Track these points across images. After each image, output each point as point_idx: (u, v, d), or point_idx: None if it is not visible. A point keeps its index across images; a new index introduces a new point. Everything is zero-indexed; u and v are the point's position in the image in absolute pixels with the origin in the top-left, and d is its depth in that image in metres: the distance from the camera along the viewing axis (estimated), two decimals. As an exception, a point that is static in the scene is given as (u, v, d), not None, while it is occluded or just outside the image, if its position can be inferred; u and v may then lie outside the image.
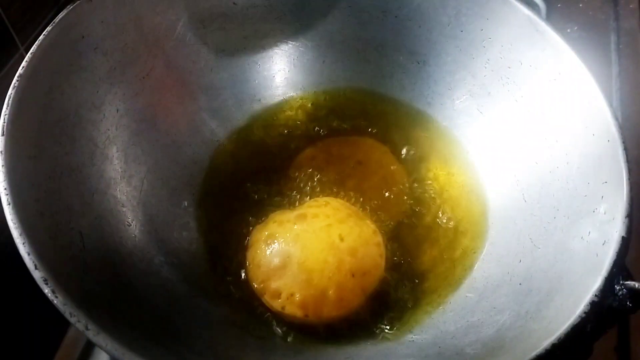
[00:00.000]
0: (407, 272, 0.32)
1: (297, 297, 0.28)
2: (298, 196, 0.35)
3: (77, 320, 0.20)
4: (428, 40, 0.37)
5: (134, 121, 0.32)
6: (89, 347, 0.33)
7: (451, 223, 0.34)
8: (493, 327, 0.27)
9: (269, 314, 0.30)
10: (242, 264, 0.32)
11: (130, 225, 0.30)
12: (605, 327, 0.23)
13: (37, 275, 0.21)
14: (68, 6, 0.29)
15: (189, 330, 0.27)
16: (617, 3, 0.52)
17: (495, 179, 0.35)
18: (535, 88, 0.33)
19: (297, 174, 0.36)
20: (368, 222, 0.33)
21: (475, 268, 0.32)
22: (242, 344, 0.28)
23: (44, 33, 0.28)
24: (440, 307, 0.30)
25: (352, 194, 0.35)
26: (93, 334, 0.20)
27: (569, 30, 0.49)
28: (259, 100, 0.39)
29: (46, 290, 0.21)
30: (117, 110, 0.31)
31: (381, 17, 0.37)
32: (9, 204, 0.23)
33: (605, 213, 0.25)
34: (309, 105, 0.40)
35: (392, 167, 0.37)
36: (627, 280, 0.23)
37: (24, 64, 0.26)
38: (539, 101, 0.32)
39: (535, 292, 0.27)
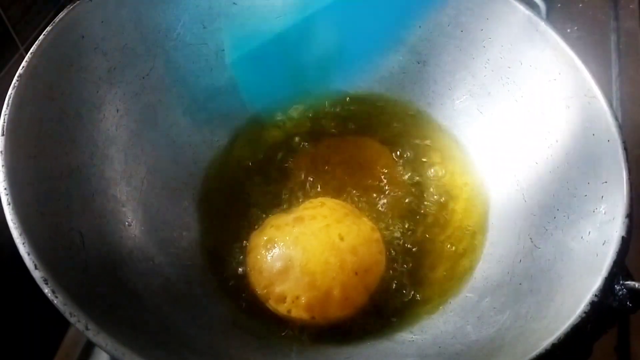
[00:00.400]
0: (407, 272, 0.32)
1: (303, 299, 0.28)
2: (300, 193, 0.35)
3: (77, 320, 0.20)
4: (428, 40, 0.37)
5: (134, 121, 0.32)
6: (89, 347, 0.33)
7: (451, 223, 0.34)
8: (493, 327, 0.27)
9: (268, 314, 0.30)
10: (242, 264, 0.32)
11: (130, 225, 0.30)
12: (605, 327, 0.23)
13: (37, 275, 0.21)
14: (68, 6, 0.29)
15: (189, 330, 0.27)
16: (617, 3, 0.52)
17: (495, 179, 0.35)
18: (535, 88, 0.33)
19: (297, 173, 0.36)
20: (365, 219, 0.33)
21: (475, 268, 0.32)
22: (242, 344, 0.28)
23: (43, 33, 0.28)
24: (440, 307, 0.30)
25: (351, 194, 0.35)
26: (93, 333, 0.20)
27: (569, 30, 0.49)
28: (259, 100, 0.39)
29: (46, 290, 0.21)
30: (117, 110, 0.31)
31: (381, 17, 0.37)
32: (9, 204, 0.23)
33: (605, 213, 0.26)
34: (309, 105, 0.40)
35: (391, 168, 0.37)
36: (627, 280, 0.23)
37: (24, 63, 0.26)
38: (539, 101, 0.32)
39: (535, 292, 0.27)
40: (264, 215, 0.34)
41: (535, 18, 0.32)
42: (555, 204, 0.29)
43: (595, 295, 0.22)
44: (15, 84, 0.26)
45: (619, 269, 0.23)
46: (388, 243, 0.33)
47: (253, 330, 0.29)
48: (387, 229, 0.34)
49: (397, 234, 0.34)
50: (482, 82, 0.36)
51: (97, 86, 0.30)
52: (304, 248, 0.29)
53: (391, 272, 0.32)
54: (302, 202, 0.34)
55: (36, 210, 0.24)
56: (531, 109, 0.33)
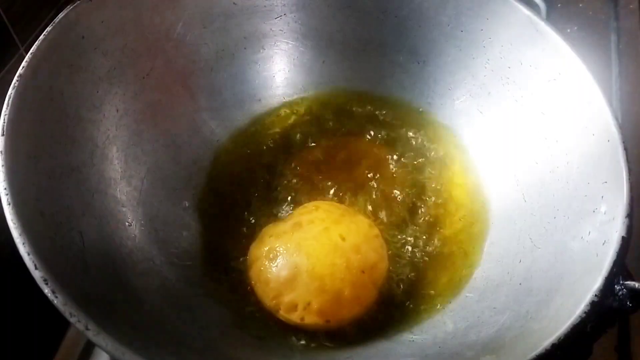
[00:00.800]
0: (407, 272, 0.32)
1: (315, 305, 0.28)
2: (300, 193, 0.35)
3: (77, 320, 0.20)
4: (428, 40, 0.37)
5: (134, 121, 0.32)
6: (89, 347, 0.33)
7: (451, 223, 0.34)
8: (493, 327, 0.27)
9: (268, 314, 0.30)
10: (242, 264, 0.32)
11: (130, 225, 0.30)
12: (605, 327, 0.23)
13: (37, 275, 0.21)
14: (68, 6, 0.29)
15: (189, 330, 0.27)
16: (617, 3, 0.52)
17: (495, 179, 0.35)
18: (536, 88, 0.33)
19: (297, 174, 0.36)
20: (361, 217, 0.33)
21: (475, 268, 0.32)
22: (242, 344, 0.28)
23: (44, 33, 0.28)
24: (440, 307, 0.30)
25: (351, 195, 0.35)
26: (93, 334, 0.20)
27: (569, 30, 0.49)
28: (259, 100, 0.39)
29: (46, 290, 0.21)
30: (117, 110, 0.31)
31: (381, 17, 0.37)
32: (9, 204, 0.23)
33: (605, 213, 0.25)
34: (309, 105, 0.40)
35: (391, 168, 0.37)
36: (627, 280, 0.23)
37: (24, 64, 0.26)
38: (539, 101, 0.32)
39: (535, 292, 0.27)
40: (264, 216, 0.34)
41: (535, 18, 0.32)
42: (555, 204, 0.29)
43: (596, 295, 0.22)
44: (16, 84, 0.26)
45: (619, 269, 0.23)
46: (387, 244, 0.33)
47: (253, 330, 0.29)
48: (386, 229, 0.34)
49: (397, 235, 0.34)
50: (482, 82, 0.36)
51: (97, 86, 0.30)
52: (308, 253, 0.29)
53: (391, 272, 0.32)
54: (302, 200, 0.34)
55: (36, 211, 0.24)
56: (531, 109, 0.33)
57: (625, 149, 0.26)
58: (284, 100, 0.40)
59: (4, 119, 0.24)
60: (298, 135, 0.38)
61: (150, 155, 0.33)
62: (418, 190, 0.36)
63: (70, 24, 0.29)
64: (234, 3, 0.37)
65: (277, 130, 0.39)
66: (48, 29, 0.28)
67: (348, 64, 0.39)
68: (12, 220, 0.22)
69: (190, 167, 0.35)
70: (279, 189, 0.36)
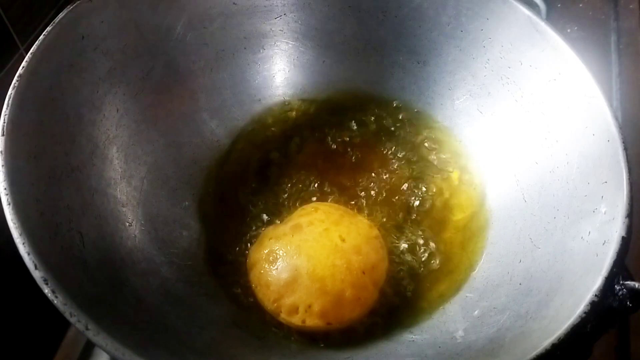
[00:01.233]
0: (407, 272, 0.32)
1: (316, 307, 0.28)
2: (299, 193, 0.35)
3: (77, 320, 0.20)
4: (428, 40, 0.37)
5: (134, 121, 0.32)
6: (89, 347, 0.33)
7: (451, 223, 0.34)
8: (493, 327, 0.27)
9: (268, 314, 0.30)
10: (242, 263, 0.32)
11: (131, 225, 0.30)
12: (605, 327, 0.23)
13: (37, 275, 0.21)
14: (68, 6, 0.29)
15: (189, 330, 0.27)
16: (617, 3, 0.52)
17: (495, 179, 0.35)
18: (535, 88, 0.33)
19: (296, 173, 0.36)
20: (361, 217, 0.33)
21: (475, 268, 0.32)
22: (242, 344, 0.28)
23: (44, 33, 0.28)
24: (440, 307, 0.30)
25: (351, 195, 0.35)
26: (93, 333, 0.20)
27: (569, 30, 0.49)
28: (259, 100, 0.39)
29: (46, 291, 0.21)
30: (117, 110, 0.31)
31: (381, 17, 0.37)
32: (9, 204, 0.23)
33: (605, 213, 0.25)
34: (309, 105, 0.40)
35: (391, 168, 0.37)
36: (627, 280, 0.23)
37: (24, 63, 0.26)
38: (539, 101, 0.32)
39: (535, 292, 0.27)
40: (264, 216, 0.34)
41: (535, 18, 0.32)
42: (555, 204, 0.29)
43: (596, 295, 0.22)
44: (16, 84, 0.26)
45: (619, 269, 0.23)
46: (388, 244, 0.33)
47: (253, 330, 0.29)
48: (386, 229, 0.34)
49: (397, 235, 0.34)
50: (482, 82, 0.36)
51: (97, 86, 0.30)
52: (309, 255, 0.29)
53: (391, 273, 0.32)
54: (302, 201, 0.34)
55: (36, 211, 0.24)
56: (531, 109, 0.33)
57: (625, 149, 0.26)
58: (284, 100, 0.40)
59: (4, 119, 0.24)
60: (298, 136, 0.38)
61: (150, 155, 0.33)
62: (418, 191, 0.36)
63: (70, 24, 0.29)
64: (234, 3, 0.37)
65: (277, 130, 0.39)
66: (48, 29, 0.28)
67: (348, 64, 0.39)
68: (12, 220, 0.22)
69: (190, 167, 0.35)
70: (278, 188, 0.36)
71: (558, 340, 0.21)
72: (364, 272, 0.29)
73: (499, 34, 0.34)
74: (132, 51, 0.32)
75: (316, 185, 0.36)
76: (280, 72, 0.40)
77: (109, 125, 0.31)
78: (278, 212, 0.34)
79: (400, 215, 0.34)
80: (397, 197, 0.35)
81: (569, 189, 0.29)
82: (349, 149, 0.38)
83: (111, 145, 0.31)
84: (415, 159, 0.37)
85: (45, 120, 0.27)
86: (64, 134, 0.28)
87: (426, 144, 0.38)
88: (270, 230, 0.32)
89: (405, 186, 0.36)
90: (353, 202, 0.35)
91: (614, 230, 0.24)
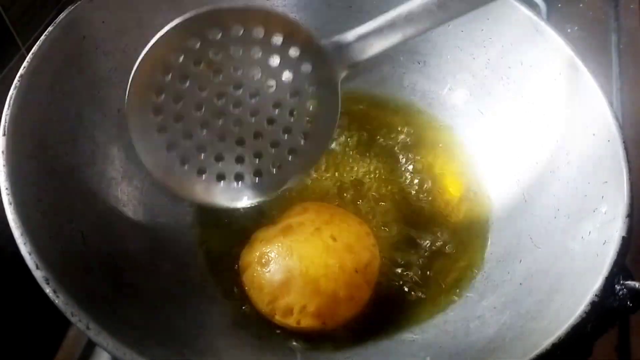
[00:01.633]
0: (408, 272, 0.32)
1: (310, 308, 0.28)
2: (300, 194, 0.35)
3: (79, 319, 0.20)
4: (428, 40, 0.37)
5: (134, 121, 0.32)
6: (90, 346, 0.33)
7: (451, 223, 0.34)
8: (493, 327, 0.27)
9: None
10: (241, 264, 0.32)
11: (132, 225, 0.30)
12: (605, 327, 0.24)
13: (39, 275, 0.21)
14: (69, 6, 0.29)
15: (190, 330, 0.27)
16: (617, 3, 0.52)
17: (496, 179, 0.35)
18: (536, 88, 0.33)
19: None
20: (352, 215, 0.33)
21: (475, 268, 0.32)
22: (242, 344, 0.28)
23: (45, 33, 0.28)
24: (441, 307, 0.30)
25: (350, 195, 0.35)
26: (94, 333, 0.20)
27: (569, 30, 0.49)
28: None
29: (47, 290, 0.21)
30: (118, 111, 0.31)
31: (382, 17, 0.37)
32: (11, 204, 0.23)
33: (605, 213, 0.26)
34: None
35: (390, 168, 0.37)
36: (628, 280, 0.23)
37: (25, 64, 0.26)
38: (540, 101, 0.32)
39: (536, 292, 0.27)
40: (264, 216, 0.34)
41: (535, 18, 0.32)
42: (556, 204, 0.29)
43: (596, 295, 0.22)
44: (17, 84, 0.26)
45: (620, 269, 0.23)
46: (387, 244, 0.33)
47: (253, 330, 0.29)
48: (385, 229, 0.34)
49: (396, 235, 0.34)
50: (483, 82, 0.36)
51: (98, 86, 0.30)
52: (301, 255, 0.29)
53: (392, 273, 0.32)
54: (298, 201, 0.34)
55: (37, 210, 0.24)
56: (532, 109, 0.33)
57: (626, 148, 0.26)
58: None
59: (6, 119, 0.25)
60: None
61: (151, 155, 0.33)
62: (418, 190, 0.36)
63: (71, 24, 0.29)
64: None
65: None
66: (49, 29, 0.28)
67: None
68: (13, 220, 0.22)
69: (190, 167, 0.35)
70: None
71: (558, 340, 0.21)
72: (356, 271, 0.29)
73: (499, 34, 0.34)
74: (133, 51, 0.32)
75: (313, 185, 0.36)
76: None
77: (110, 125, 0.31)
78: (278, 213, 0.34)
79: (400, 214, 0.34)
80: (396, 197, 0.35)
81: (570, 188, 0.29)
82: (347, 149, 0.38)
83: (112, 145, 0.31)
84: (415, 159, 0.37)
85: (47, 120, 0.27)
86: (65, 134, 0.28)
87: (426, 145, 0.38)
88: (261, 232, 0.32)
89: (404, 186, 0.36)
90: (350, 201, 0.35)
91: (615, 230, 0.24)
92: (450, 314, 0.30)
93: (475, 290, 0.31)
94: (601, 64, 0.46)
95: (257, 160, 0.30)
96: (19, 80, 0.26)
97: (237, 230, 0.33)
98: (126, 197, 0.30)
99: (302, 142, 0.30)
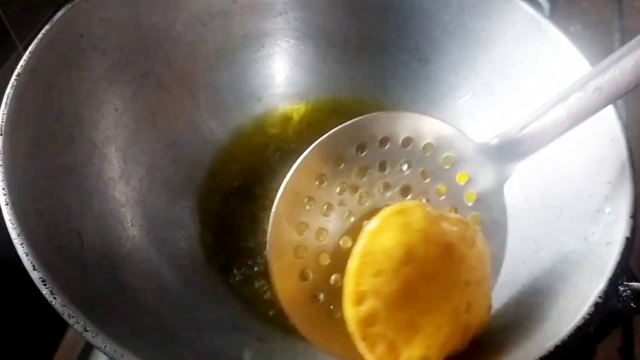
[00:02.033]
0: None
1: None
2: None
3: (76, 321, 0.20)
4: (430, 38, 0.37)
5: (132, 120, 0.32)
6: (88, 348, 0.33)
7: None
8: (495, 328, 0.27)
9: (269, 314, 0.30)
10: (242, 264, 0.32)
11: (130, 225, 0.30)
12: (609, 329, 0.23)
13: (36, 275, 0.21)
14: (67, 4, 0.29)
15: (189, 331, 0.27)
16: (621, 1, 0.51)
17: (498, 179, 0.35)
18: (539, 87, 0.32)
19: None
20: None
21: (477, 269, 0.32)
22: (242, 345, 0.28)
23: (42, 31, 0.27)
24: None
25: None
26: (92, 335, 0.20)
27: (572, 29, 0.49)
28: (259, 99, 0.39)
29: (44, 291, 0.21)
30: (116, 110, 0.31)
31: (383, 16, 0.37)
32: (7, 204, 0.22)
33: (609, 213, 0.25)
34: (310, 104, 0.40)
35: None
36: (631, 282, 0.23)
37: (22, 62, 0.26)
38: (543, 100, 0.32)
39: (539, 293, 0.26)
40: (264, 216, 0.34)
41: (538, 16, 0.32)
42: (559, 204, 0.29)
43: (599, 297, 0.22)
44: (14, 83, 0.25)
45: (623, 270, 0.23)
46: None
47: (253, 332, 0.29)
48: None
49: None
50: (485, 81, 0.35)
51: (96, 85, 0.30)
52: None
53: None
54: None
55: (34, 211, 0.24)
56: (535, 108, 0.33)
57: (630, 148, 0.26)
58: (285, 99, 0.39)
59: (2, 118, 0.24)
60: (298, 135, 0.38)
61: (149, 155, 0.33)
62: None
63: (68, 22, 0.29)
64: (233, 1, 0.36)
65: (278, 129, 0.38)
66: (46, 27, 0.28)
67: (349, 63, 0.39)
68: (10, 220, 0.22)
69: (189, 167, 0.35)
70: (278, 188, 0.35)
71: (561, 342, 0.21)
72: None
73: (502, 33, 0.34)
74: (131, 50, 0.32)
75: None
76: (280, 71, 0.39)
77: (107, 125, 0.30)
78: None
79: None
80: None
81: (573, 189, 0.28)
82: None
83: (110, 144, 0.30)
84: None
85: (44, 119, 0.27)
86: (63, 133, 0.28)
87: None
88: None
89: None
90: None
91: (618, 230, 0.24)
92: (452, 315, 0.30)
93: (476, 291, 0.30)
94: (604, 62, 0.46)
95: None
96: (15, 79, 0.26)
97: (238, 231, 0.33)
98: (124, 197, 0.30)
99: None
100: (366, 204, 0.24)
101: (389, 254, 0.21)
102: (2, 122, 0.24)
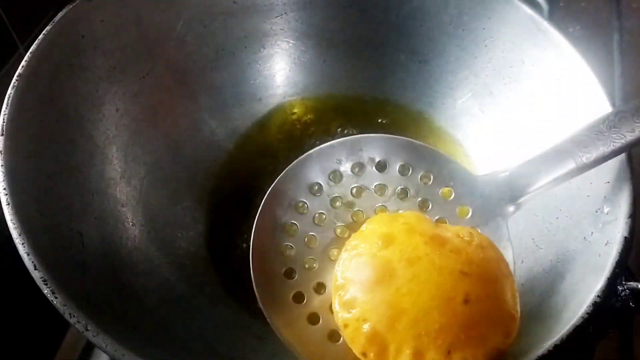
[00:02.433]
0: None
1: None
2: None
3: (77, 320, 0.20)
4: (429, 39, 0.37)
5: (133, 121, 0.32)
6: (89, 348, 0.33)
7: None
8: (494, 327, 0.27)
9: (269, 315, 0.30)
10: (242, 264, 0.32)
11: (130, 225, 0.30)
12: (607, 328, 0.23)
13: (37, 275, 0.21)
14: (68, 5, 0.29)
15: (189, 330, 0.27)
16: (619, 2, 0.51)
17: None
18: (538, 87, 0.32)
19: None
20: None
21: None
22: (243, 345, 0.28)
23: (43, 32, 0.27)
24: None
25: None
26: (93, 334, 0.20)
27: (571, 30, 0.49)
28: (259, 99, 0.39)
29: (46, 291, 0.21)
30: (117, 110, 0.31)
31: (382, 16, 0.37)
32: (8, 204, 0.22)
33: (607, 213, 0.25)
34: (310, 104, 0.40)
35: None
36: (630, 281, 0.23)
37: (23, 63, 0.26)
38: (542, 101, 0.32)
39: (537, 292, 0.27)
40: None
41: (537, 17, 0.32)
42: (558, 204, 0.29)
43: (598, 296, 0.22)
44: (15, 84, 0.25)
45: (622, 270, 0.23)
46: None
47: (254, 331, 0.29)
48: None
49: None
50: (484, 82, 0.36)
51: (97, 86, 0.30)
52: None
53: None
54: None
55: (36, 211, 0.24)
56: (533, 109, 0.33)
57: (629, 149, 0.26)
58: (285, 99, 0.40)
59: (4, 119, 0.24)
60: (299, 135, 0.38)
61: (150, 155, 0.33)
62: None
63: (69, 23, 0.29)
64: (234, 2, 0.36)
65: (278, 129, 0.39)
66: (47, 28, 0.28)
67: (349, 63, 0.39)
68: (11, 220, 0.22)
69: (190, 167, 0.35)
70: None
71: (560, 341, 0.21)
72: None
73: (501, 33, 0.34)
74: (132, 50, 0.32)
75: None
76: (280, 71, 0.40)
77: (108, 125, 0.31)
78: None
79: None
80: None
81: (572, 189, 0.28)
82: (349, 149, 0.38)
83: (111, 145, 0.31)
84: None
85: (45, 120, 0.27)
86: (64, 133, 0.28)
87: (427, 144, 0.37)
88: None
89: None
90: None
91: (617, 230, 0.24)
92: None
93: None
94: (604, 63, 0.46)
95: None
96: (17, 80, 0.26)
97: (238, 231, 0.33)
98: (125, 197, 0.30)
99: None
100: (357, 220, 0.24)
101: (369, 240, 0.23)
102: (4, 122, 0.24)
